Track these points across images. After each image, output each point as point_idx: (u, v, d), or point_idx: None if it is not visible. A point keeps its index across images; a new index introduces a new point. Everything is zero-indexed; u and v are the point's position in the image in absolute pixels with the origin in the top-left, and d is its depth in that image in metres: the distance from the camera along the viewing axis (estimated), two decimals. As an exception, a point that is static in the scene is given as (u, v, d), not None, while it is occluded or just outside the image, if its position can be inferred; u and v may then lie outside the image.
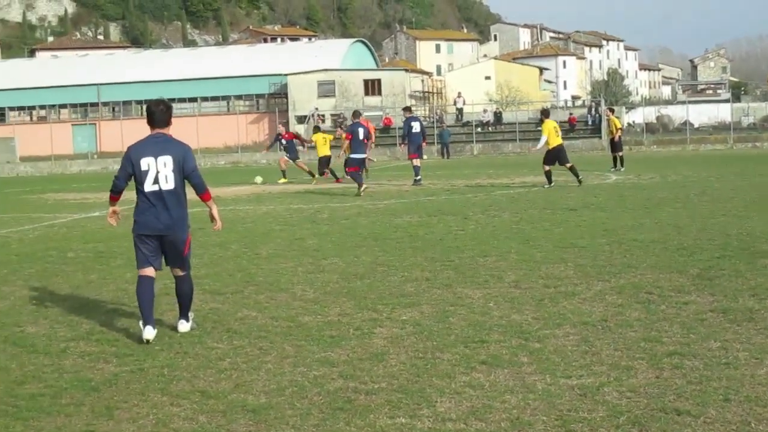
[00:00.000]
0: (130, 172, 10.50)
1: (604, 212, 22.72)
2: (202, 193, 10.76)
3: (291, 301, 12.45)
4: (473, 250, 16.62)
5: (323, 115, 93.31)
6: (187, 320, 10.84)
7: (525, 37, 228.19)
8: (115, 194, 10.81)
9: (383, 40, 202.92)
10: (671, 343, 9.38)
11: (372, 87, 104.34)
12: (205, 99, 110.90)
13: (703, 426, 6.91)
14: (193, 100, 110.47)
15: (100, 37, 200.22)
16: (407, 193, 31.72)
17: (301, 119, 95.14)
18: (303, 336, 10.39)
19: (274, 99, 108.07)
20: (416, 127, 37.08)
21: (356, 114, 35.06)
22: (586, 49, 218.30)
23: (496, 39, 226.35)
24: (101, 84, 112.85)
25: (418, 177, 36.62)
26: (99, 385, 8.70)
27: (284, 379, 8.66)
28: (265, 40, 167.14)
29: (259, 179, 42.51)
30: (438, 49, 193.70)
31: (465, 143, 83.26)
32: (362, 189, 31.27)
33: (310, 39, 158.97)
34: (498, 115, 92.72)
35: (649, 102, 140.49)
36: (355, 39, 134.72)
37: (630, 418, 7.14)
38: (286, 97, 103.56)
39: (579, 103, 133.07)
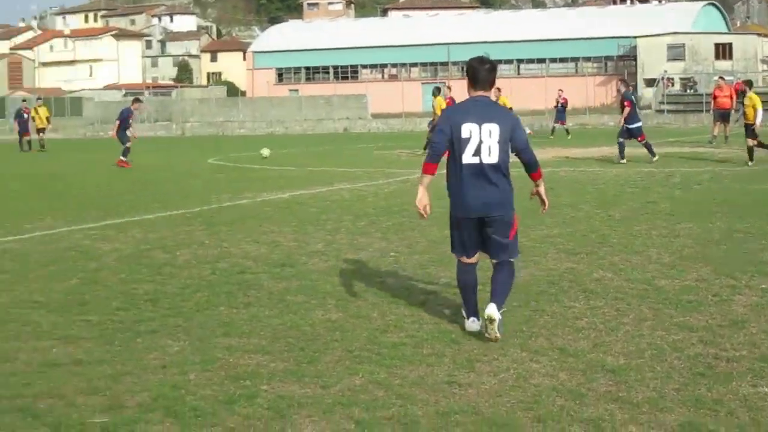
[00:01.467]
0: (449, 136, 8.90)
1: None
2: (534, 171, 9.20)
3: (646, 264, 12.32)
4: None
5: (672, 79, 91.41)
6: (500, 307, 8.83)
7: None
8: (434, 160, 9.10)
9: (735, 3, 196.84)
10: None
11: (723, 51, 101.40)
12: (553, 60, 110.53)
13: None
14: (541, 61, 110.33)
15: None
16: (762, 160, 30.70)
17: (650, 82, 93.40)
18: (660, 299, 10.27)
19: (623, 61, 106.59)
20: None
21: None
22: None
23: None
24: (451, 44, 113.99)
25: None
26: (459, 337, 8.86)
27: (643, 341, 8.59)
28: (615, 2, 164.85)
29: (265, 151, 37.16)
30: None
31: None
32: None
33: (660, 1, 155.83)
34: None
35: None
36: (706, 2, 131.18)
37: None
38: (635, 60, 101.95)
39: None
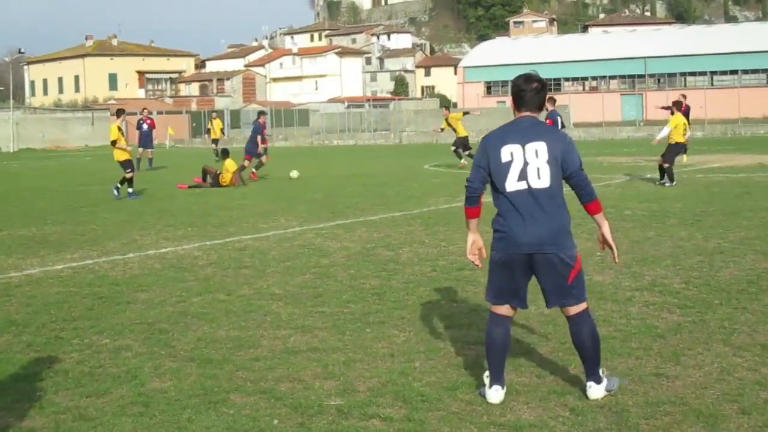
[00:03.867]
0: (484, 168, 7.02)
1: None
2: (589, 202, 6.88)
3: None
4: None
5: None
6: (599, 381, 6.91)
7: None
8: (472, 203, 7.25)
9: None
10: None
11: None
12: (745, 72, 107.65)
13: None
14: (733, 72, 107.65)
15: (647, 14, 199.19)
16: None
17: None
18: None
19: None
20: None
21: None
22: None
23: None
24: (648, 57, 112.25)
25: None
26: (664, 332, 8.69)
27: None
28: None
29: (294, 174, 32.90)
30: None
31: None
32: None
33: None
34: None
35: None
36: None
37: None
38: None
39: None
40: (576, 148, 6.93)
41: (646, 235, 14.92)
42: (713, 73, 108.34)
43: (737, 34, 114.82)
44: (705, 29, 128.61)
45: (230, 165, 29.08)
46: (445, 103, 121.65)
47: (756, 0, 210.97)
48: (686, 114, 30.89)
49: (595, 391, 6.85)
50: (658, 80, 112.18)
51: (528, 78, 7.08)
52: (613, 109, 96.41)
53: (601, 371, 6.93)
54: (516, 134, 6.93)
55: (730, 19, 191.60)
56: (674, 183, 24.35)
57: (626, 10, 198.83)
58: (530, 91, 7.00)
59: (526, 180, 6.80)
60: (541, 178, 6.78)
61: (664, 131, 26.13)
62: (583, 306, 6.96)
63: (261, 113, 34.34)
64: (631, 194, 21.86)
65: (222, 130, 50.71)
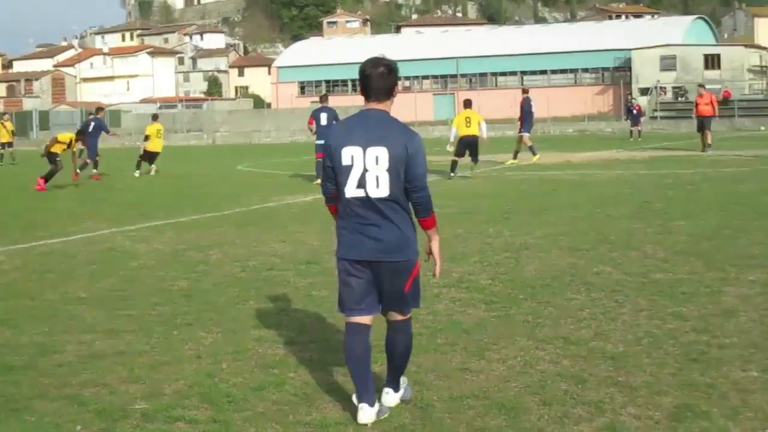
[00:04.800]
0: (331, 167, 6.52)
1: None
2: (424, 217, 6.48)
3: (643, 259, 12.31)
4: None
5: (665, 88, 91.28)
6: (397, 389, 6.70)
7: None
8: (331, 203, 6.73)
9: (723, 17, 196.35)
10: None
11: (712, 62, 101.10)
12: (554, 71, 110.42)
13: None
14: (543, 72, 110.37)
15: (459, 15, 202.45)
16: (748, 162, 30.65)
17: (644, 91, 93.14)
18: (655, 291, 10.27)
19: (618, 72, 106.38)
20: None
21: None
22: None
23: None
24: (460, 57, 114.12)
25: None
26: (470, 328, 8.87)
27: (640, 330, 8.60)
28: (610, 17, 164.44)
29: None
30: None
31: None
32: None
33: (652, 16, 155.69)
34: None
35: None
36: (696, 16, 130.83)
37: None
38: (630, 71, 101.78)
39: None
40: (422, 156, 6.40)
41: (455, 233, 15.16)
42: (523, 73, 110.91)
43: (546, 35, 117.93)
44: (515, 30, 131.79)
45: (62, 137, 28.41)
46: (259, 104, 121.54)
47: (565, 1, 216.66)
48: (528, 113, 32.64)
49: (391, 398, 6.65)
50: (470, 80, 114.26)
51: (375, 62, 6.53)
52: (425, 108, 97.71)
53: (402, 380, 6.77)
54: (360, 134, 6.38)
55: (540, 20, 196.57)
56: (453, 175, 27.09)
57: (438, 11, 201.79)
58: (376, 77, 6.46)
59: (365, 188, 6.32)
60: (379, 186, 6.31)
61: (453, 131, 28.14)
62: (409, 315, 6.69)
63: (99, 109, 33.91)
64: (442, 192, 22.17)
65: (12, 132, 48.30)
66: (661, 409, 6.47)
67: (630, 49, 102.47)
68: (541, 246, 13.67)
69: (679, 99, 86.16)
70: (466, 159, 27.56)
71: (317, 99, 36.54)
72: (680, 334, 8.41)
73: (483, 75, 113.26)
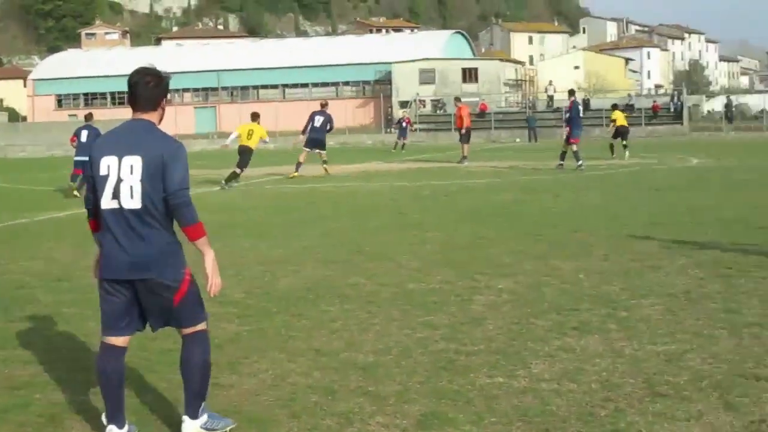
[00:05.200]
0: (91, 177, 6.28)
1: (688, 192, 22.49)
2: (186, 226, 6.15)
3: (397, 270, 12.47)
4: (565, 226, 16.53)
5: (424, 101, 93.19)
6: (194, 415, 6.28)
7: (612, 30, 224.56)
8: (91, 217, 6.40)
9: (480, 31, 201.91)
10: (750, 315, 9.26)
11: (469, 75, 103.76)
12: (315, 85, 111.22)
13: (781, 391, 6.84)
14: (304, 85, 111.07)
15: (221, 28, 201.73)
16: (503, 173, 31.56)
17: (404, 104, 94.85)
18: (408, 301, 10.41)
19: (379, 85, 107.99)
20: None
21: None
22: (669, 41, 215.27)
23: (584, 32, 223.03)
24: (221, 70, 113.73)
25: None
26: (222, 342, 8.79)
27: (391, 340, 8.70)
28: (371, 31, 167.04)
29: None
30: (530, 40, 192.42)
31: (555, 128, 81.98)
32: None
33: (412, 30, 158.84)
34: (586, 102, 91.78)
35: (727, 91, 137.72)
36: (454, 30, 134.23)
37: (712, 382, 7.08)
38: (390, 84, 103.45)
39: (662, 91, 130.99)
40: (180, 165, 6.11)
41: (214, 248, 14.98)
42: (285, 86, 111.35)
43: (308, 49, 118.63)
44: (277, 43, 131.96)
45: None
46: (15, 117, 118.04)
47: (326, 15, 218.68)
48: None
49: (188, 426, 6.26)
50: (232, 93, 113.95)
51: (143, 72, 6.33)
52: (187, 121, 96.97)
53: (202, 408, 6.32)
54: (119, 143, 6.16)
55: (301, 33, 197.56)
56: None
57: (200, 24, 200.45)
58: (143, 87, 6.25)
59: (119, 199, 6.03)
60: (133, 197, 6.01)
61: (233, 136, 29.14)
62: (200, 327, 6.43)
63: None
64: (200, 206, 21.97)
65: None
66: (408, 417, 6.55)
67: (390, 63, 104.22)
68: (297, 258, 13.70)
69: (438, 112, 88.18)
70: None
71: (75, 113, 36.36)
72: (430, 342, 8.55)
73: (245, 88, 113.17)
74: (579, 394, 6.93)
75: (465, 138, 39.64)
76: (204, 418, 6.32)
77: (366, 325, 9.35)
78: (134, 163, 6.04)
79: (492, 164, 37.29)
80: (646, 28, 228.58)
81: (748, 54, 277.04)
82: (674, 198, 21.12)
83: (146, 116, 6.30)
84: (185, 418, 6.29)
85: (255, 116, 29.08)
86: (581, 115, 33.54)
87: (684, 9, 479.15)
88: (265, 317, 9.81)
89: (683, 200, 20.45)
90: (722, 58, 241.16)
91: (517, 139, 68.82)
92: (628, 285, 10.96)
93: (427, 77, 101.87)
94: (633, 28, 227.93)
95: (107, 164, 6.10)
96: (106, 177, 6.09)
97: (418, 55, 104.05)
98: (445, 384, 7.28)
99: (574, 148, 31.79)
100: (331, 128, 32.01)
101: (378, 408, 6.75)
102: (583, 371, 7.48)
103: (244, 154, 28.52)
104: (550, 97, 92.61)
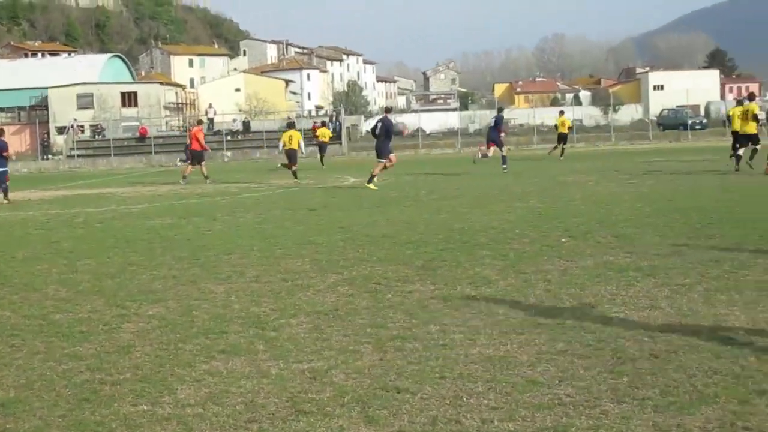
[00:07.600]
0: None
1: (342, 211, 23.06)
2: None
3: (44, 300, 12.12)
4: (218, 249, 16.57)
5: (83, 126, 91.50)
6: None
7: (272, 52, 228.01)
8: None
9: (140, 54, 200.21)
10: (395, 328, 9.54)
11: (129, 99, 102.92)
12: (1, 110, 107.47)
13: (420, 402, 7.05)
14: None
15: None
16: (160, 197, 31.35)
17: (61, 130, 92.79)
18: (53, 332, 10.13)
19: (35, 111, 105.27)
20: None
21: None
22: (328, 63, 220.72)
23: (245, 54, 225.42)
24: None
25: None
26: None
27: (34, 373, 8.43)
28: (26, 55, 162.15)
29: None
30: (191, 63, 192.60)
31: (216, 150, 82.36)
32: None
33: (69, 54, 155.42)
34: (247, 124, 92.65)
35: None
36: (113, 54, 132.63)
37: (354, 396, 7.24)
38: (47, 109, 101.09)
39: (322, 112, 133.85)
40: None
41: None
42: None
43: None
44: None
45: None
46: None
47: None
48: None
49: None
50: None
51: None
52: None
53: None
54: None
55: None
56: None
57: None
58: None
59: None
60: None
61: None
62: None
63: None
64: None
65: None
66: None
67: (47, 88, 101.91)
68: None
69: (97, 137, 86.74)
70: None
71: None
72: (75, 374, 8.34)
73: None
74: (223, 417, 6.93)
75: (196, 160, 41.72)
76: None
77: (8, 359, 9.02)
78: None
79: (150, 189, 36.95)
80: (305, 50, 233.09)
81: (404, 75, 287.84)
82: (328, 217, 21.60)
83: None
84: None
85: (291, 125, 40.51)
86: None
87: (342, 32, 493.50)
88: None
89: (336, 219, 20.93)
90: (380, 79, 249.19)
91: (178, 161, 68.41)
92: (277, 305, 11.09)
93: (85, 102, 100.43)
94: (293, 50, 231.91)
95: None
96: None
97: (75, 80, 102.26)
98: (88, 415, 7.11)
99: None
100: None
101: (14, 446, 6.53)
102: (228, 393, 7.49)
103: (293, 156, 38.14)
104: (211, 120, 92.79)
